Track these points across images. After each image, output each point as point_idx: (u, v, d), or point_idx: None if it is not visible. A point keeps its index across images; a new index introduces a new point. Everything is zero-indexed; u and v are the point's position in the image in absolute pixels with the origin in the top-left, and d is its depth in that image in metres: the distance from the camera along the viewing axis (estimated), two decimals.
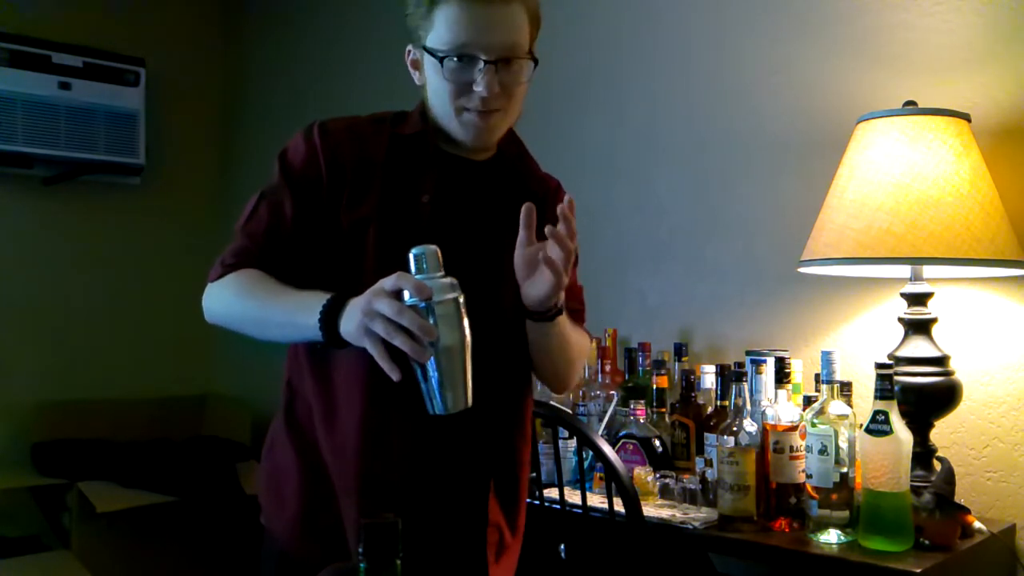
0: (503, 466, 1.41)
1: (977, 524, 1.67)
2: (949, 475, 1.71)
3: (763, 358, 1.82)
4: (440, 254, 1.13)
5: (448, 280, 1.12)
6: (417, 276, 1.11)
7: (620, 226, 2.55)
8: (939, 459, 1.78)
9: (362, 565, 0.78)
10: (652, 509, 1.81)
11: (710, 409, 2.04)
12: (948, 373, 1.77)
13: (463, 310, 1.12)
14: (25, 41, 3.26)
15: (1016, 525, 1.84)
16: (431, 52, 1.28)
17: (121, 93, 3.46)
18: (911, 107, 1.84)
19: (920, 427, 1.76)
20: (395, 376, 1.08)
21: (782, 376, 1.79)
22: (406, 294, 1.10)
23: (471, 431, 1.34)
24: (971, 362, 1.92)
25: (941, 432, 1.86)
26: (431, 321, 1.09)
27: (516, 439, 1.43)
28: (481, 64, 1.26)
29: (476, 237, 1.36)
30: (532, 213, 1.26)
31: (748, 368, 1.80)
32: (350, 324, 1.14)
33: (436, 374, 1.11)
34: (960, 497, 1.76)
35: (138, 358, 3.68)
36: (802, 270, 1.91)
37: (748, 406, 1.75)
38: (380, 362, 1.09)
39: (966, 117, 1.82)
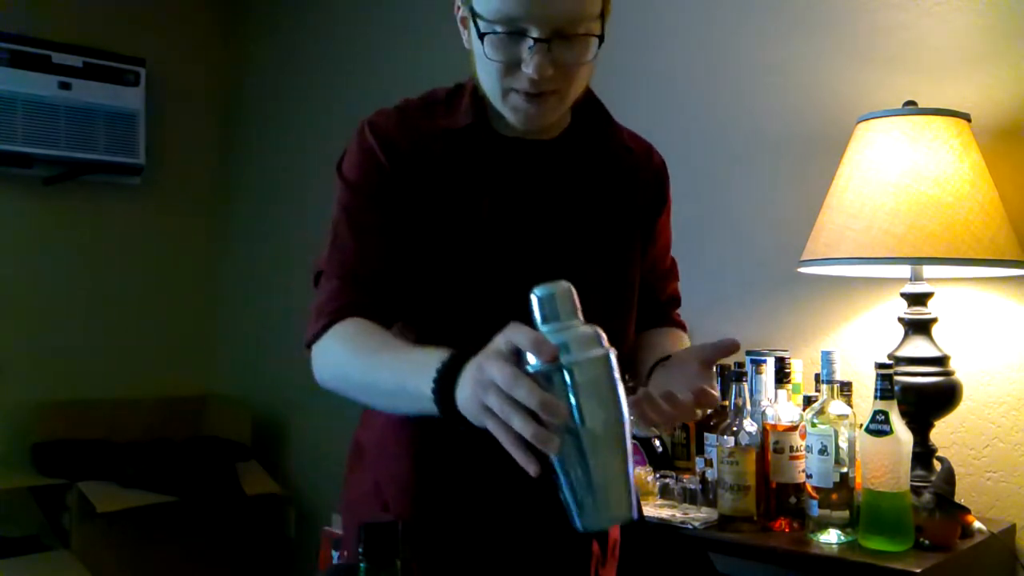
0: None
1: (977, 524, 1.67)
2: (949, 475, 1.71)
3: (763, 358, 1.81)
4: (575, 293, 0.84)
5: (589, 330, 0.81)
6: (543, 326, 0.82)
7: None
8: (939, 459, 1.78)
9: (362, 565, 0.78)
10: (652, 509, 1.81)
11: (710, 409, 2.04)
12: (948, 373, 1.77)
13: (616, 375, 0.81)
14: (25, 41, 3.26)
15: (1016, 525, 1.84)
16: (475, 17, 1.08)
17: (121, 93, 3.46)
18: (911, 107, 1.84)
19: (920, 427, 1.75)
20: (531, 470, 0.80)
21: (782, 376, 1.79)
22: (529, 356, 0.81)
23: None
24: (971, 362, 1.92)
25: (941, 432, 1.86)
26: (568, 392, 0.79)
27: None
28: (531, 41, 1.05)
29: (557, 231, 1.19)
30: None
31: (748, 368, 1.80)
32: (464, 395, 0.88)
33: (575, 471, 0.79)
34: (960, 497, 1.76)
35: (138, 358, 3.68)
36: (802, 270, 1.91)
37: (748, 406, 1.75)
38: (510, 450, 0.81)
39: (966, 117, 1.82)
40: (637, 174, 1.28)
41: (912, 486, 1.60)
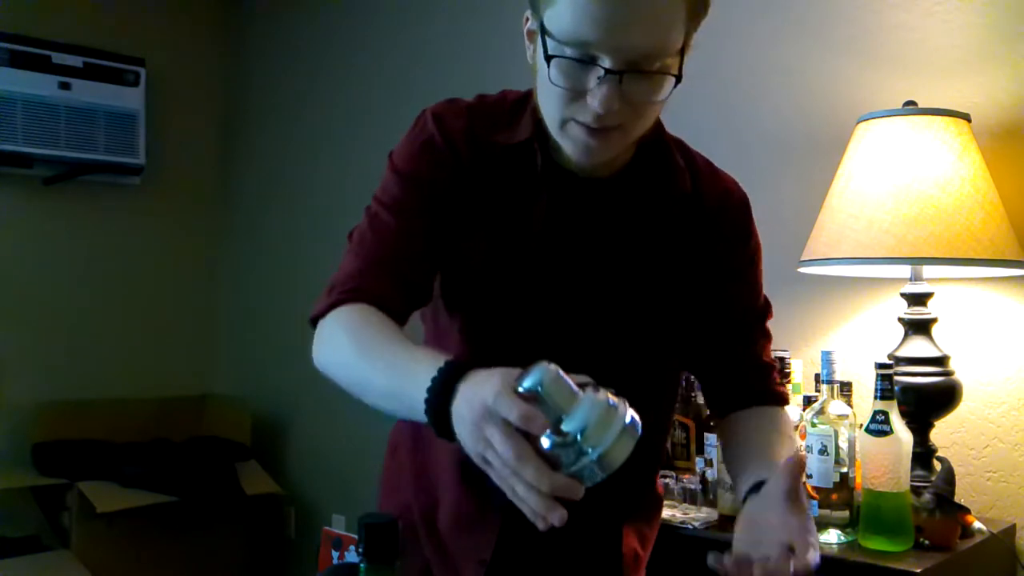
0: (639, 508, 1.23)
1: (977, 524, 1.67)
2: (949, 475, 1.71)
3: None
4: (559, 371, 0.77)
5: (603, 401, 0.75)
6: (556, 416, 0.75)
7: None
8: (939, 459, 1.78)
9: (362, 565, 0.78)
10: None
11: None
12: (948, 373, 1.77)
13: (638, 431, 0.75)
14: (25, 41, 3.26)
15: (1016, 525, 1.84)
16: (544, 34, 0.97)
17: (121, 93, 3.46)
18: (911, 107, 1.84)
19: (920, 427, 1.75)
20: (540, 525, 0.78)
21: (782, 376, 1.78)
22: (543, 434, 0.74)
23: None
24: (971, 362, 1.92)
25: (941, 432, 1.86)
26: (590, 473, 0.74)
27: (653, 483, 1.26)
28: (600, 71, 0.95)
29: (595, 275, 1.11)
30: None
31: None
32: (463, 433, 0.83)
33: None
34: (960, 497, 1.76)
35: (138, 358, 3.69)
36: (802, 270, 1.91)
37: None
38: (521, 507, 0.79)
39: (966, 117, 1.82)
40: (702, 220, 1.16)
41: (912, 486, 1.60)
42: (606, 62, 0.95)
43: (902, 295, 1.84)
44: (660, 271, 1.14)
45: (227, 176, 3.91)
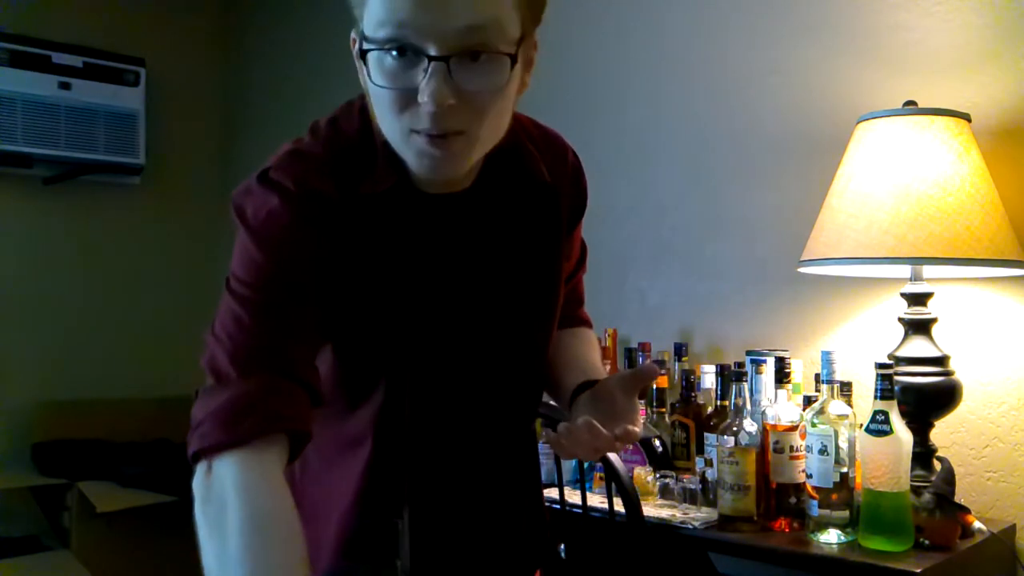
0: (528, 511, 1.26)
1: (977, 524, 1.67)
2: (949, 475, 1.71)
3: (763, 358, 1.81)
4: None
5: None
6: None
7: (620, 226, 2.55)
8: (939, 459, 1.78)
9: (362, 566, 0.78)
10: (652, 509, 1.81)
11: (710, 409, 2.04)
12: (948, 373, 1.77)
13: None
14: (25, 41, 3.26)
15: (1016, 525, 1.84)
16: (364, 40, 0.88)
17: (121, 93, 3.46)
18: (911, 107, 1.84)
19: (920, 427, 1.75)
20: None
21: (782, 376, 1.78)
22: None
23: (490, 473, 1.18)
24: (971, 362, 1.92)
25: (941, 432, 1.86)
26: None
27: (535, 479, 1.29)
28: (425, 61, 0.85)
29: (486, 280, 1.09)
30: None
31: (748, 368, 1.80)
32: None
33: None
34: (960, 497, 1.76)
35: (138, 358, 3.68)
36: (802, 270, 1.91)
37: (748, 406, 1.75)
38: None
39: (966, 117, 1.82)
40: (557, 198, 1.13)
41: (912, 486, 1.60)
42: (430, 49, 0.85)
43: (902, 295, 1.84)
44: (537, 256, 1.13)
45: (227, 176, 3.91)
